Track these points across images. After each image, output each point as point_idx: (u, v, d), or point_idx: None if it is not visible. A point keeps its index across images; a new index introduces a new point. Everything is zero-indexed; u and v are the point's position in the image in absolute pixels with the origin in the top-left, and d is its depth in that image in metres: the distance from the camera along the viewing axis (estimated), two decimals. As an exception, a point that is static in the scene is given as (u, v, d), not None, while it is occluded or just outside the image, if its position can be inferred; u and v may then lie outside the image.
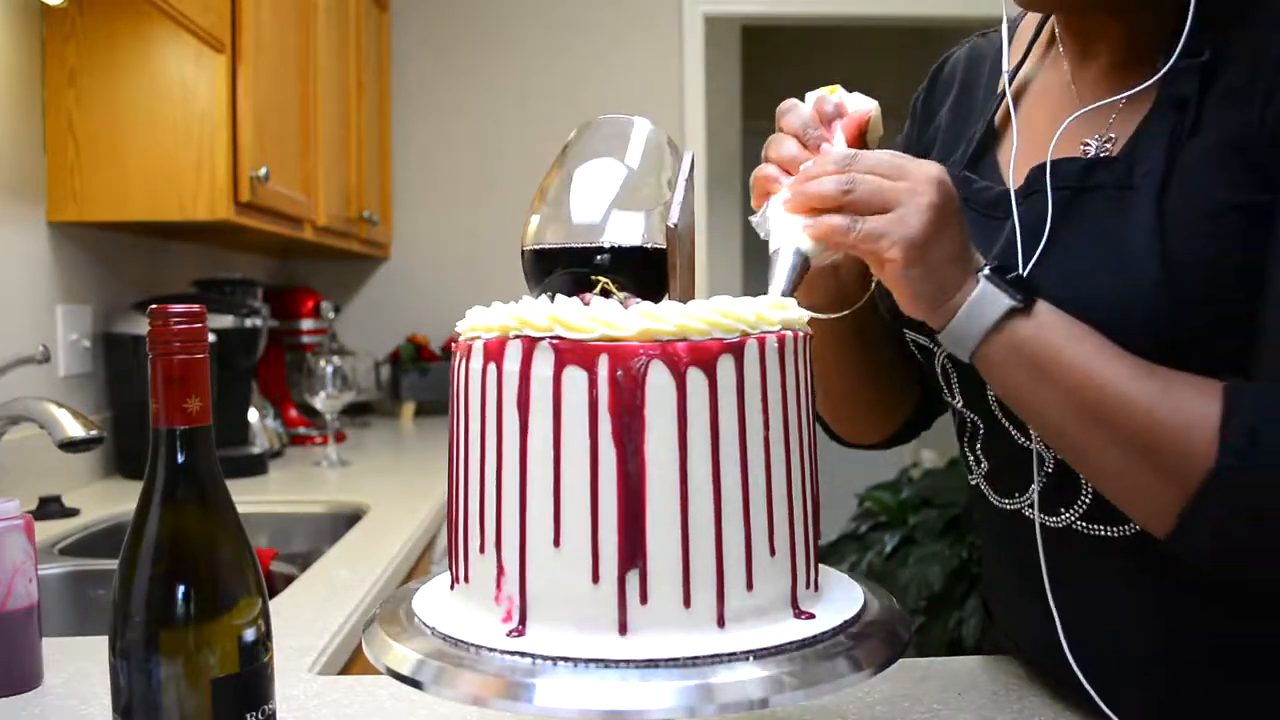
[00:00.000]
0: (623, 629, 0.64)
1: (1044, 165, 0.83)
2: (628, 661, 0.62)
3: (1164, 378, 0.74)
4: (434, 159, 3.54)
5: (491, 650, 0.64)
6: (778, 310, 0.70)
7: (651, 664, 0.62)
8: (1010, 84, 0.92)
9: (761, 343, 0.67)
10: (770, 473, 0.67)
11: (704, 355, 0.65)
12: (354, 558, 1.60)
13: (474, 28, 3.53)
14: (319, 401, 2.52)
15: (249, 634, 0.66)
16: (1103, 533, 0.82)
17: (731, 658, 0.63)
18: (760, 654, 0.63)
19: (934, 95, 1.04)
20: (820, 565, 0.74)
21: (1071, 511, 0.84)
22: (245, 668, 0.65)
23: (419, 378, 3.33)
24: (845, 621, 0.69)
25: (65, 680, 1.01)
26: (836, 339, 0.96)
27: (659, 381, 0.64)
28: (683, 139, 3.55)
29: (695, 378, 0.64)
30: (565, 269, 0.77)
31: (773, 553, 0.67)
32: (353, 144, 2.96)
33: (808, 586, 0.70)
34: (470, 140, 3.53)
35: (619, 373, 0.64)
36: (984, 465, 0.92)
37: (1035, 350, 0.76)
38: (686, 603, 0.64)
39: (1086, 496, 0.82)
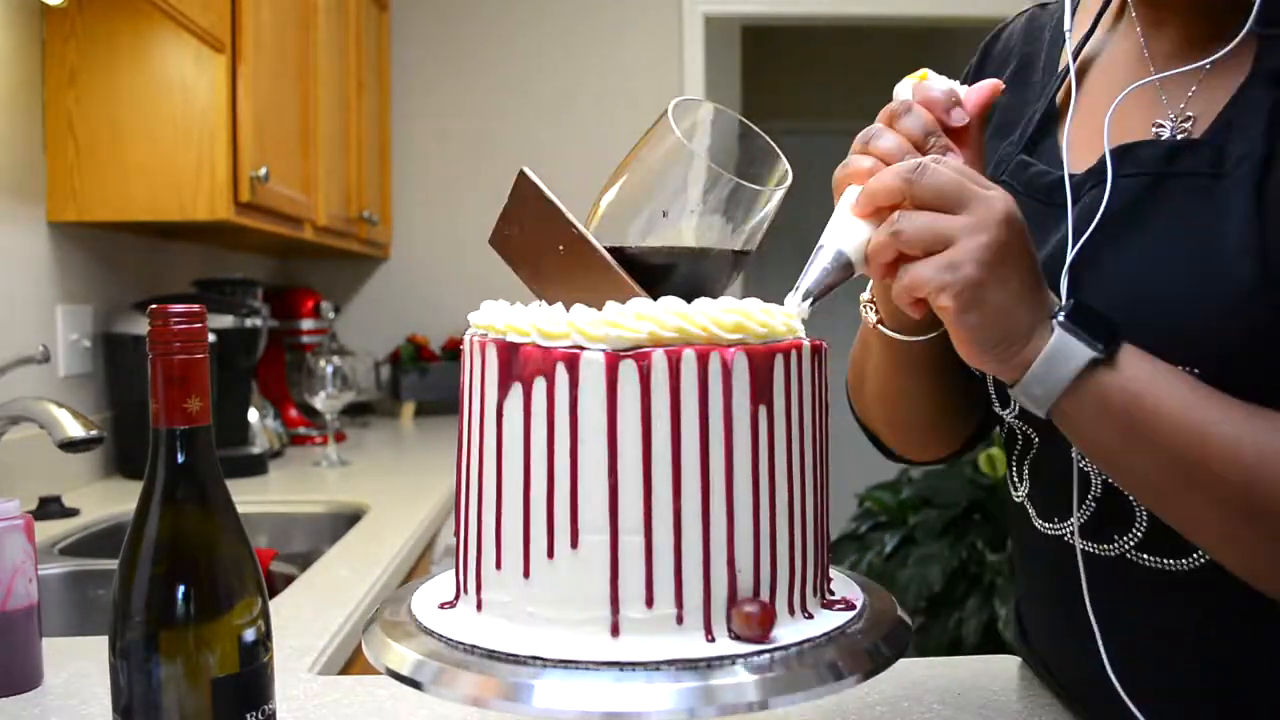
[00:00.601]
0: (622, 630, 0.64)
1: (1118, 148, 0.74)
2: (627, 663, 0.62)
3: (1271, 423, 0.66)
4: (434, 159, 3.54)
5: (491, 651, 0.64)
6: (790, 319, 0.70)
7: (651, 665, 0.62)
8: (1075, 56, 0.82)
9: (793, 350, 0.67)
10: (774, 479, 0.67)
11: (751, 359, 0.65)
12: (354, 558, 1.60)
13: (474, 28, 3.53)
14: (319, 401, 2.52)
15: (249, 634, 0.66)
16: (1160, 564, 0.75)
17: (731, 659, 0.63)
18: (760, 655, 0.63)
19: (985, 70, 0.93)
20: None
21: (1125, 539, 0.76)
22: (245, 668, 0.65)
23: (419, 378, 3.33)
24: (845, 622, 0.69)
25: (65, 680, 1.01)
26: (915, 363, 0.86)
27: (685, 384, 0.64)
28: (683, 139, 3.54)
29: (720, 381, 0.64)
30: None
31: (777, 556, 0.67)
32: (353, 144, 2.96)
33: (815, 591, 0.70)
34: (470, 140, 3.53)
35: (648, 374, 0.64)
36: (1027, 483, 0.84)
37: (1122, 405, 0.67)
38: (685, 604, 0.65)
39: (1141, 524, 0.75)
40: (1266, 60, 0.70)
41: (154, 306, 0.65)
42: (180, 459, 0.65)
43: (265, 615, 0.67)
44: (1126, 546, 0.76)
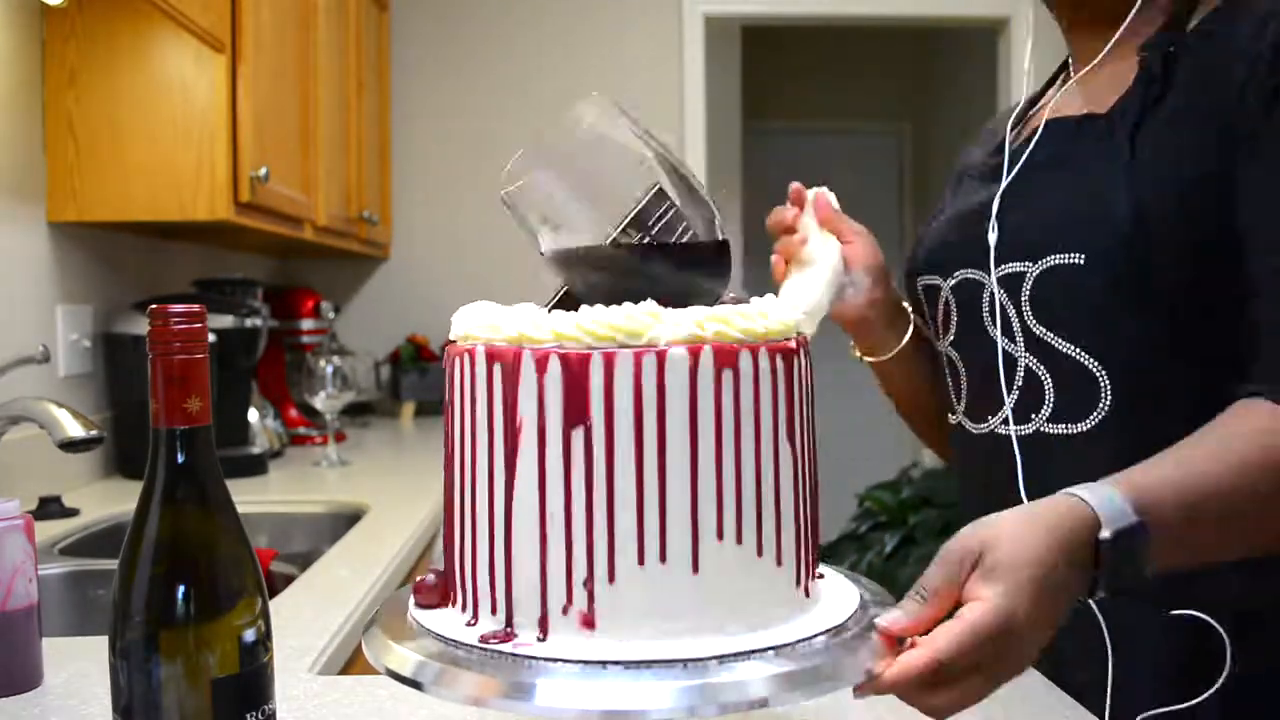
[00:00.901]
0: (622, 630, 0.64)
1: (1048, 121, 0.96)
2: (628, 662, 0.62)
3: (1241, 443, 0.78)
4: (434, 159, 3.54)
5: (491, 651, 0.64)
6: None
7: (652, 664, 0.62)
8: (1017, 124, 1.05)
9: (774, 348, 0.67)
10: (760, 474, 0.67)
11: (733, 357, 0.65)
12: (354, 558, 1.60)
13: (474, 28, 3.53)
14: (319, 401, 2.52)
15: (249, 634, 0.66)
16: (1066, 430, 0.91)
17: (732, 658, 0.63)
18: (760, 654, 0.63)
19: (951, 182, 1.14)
20: (820, 565, 0.74)
21: (1039, 416, 0.93)
22: (245, 668, 0.65)
23: (419, 378, 3.33)
24: (845, 621, 0.69)
25: (65, 680, 1.01)
26: (889, 374, 1.12)
27: (673, 383, 0.64)
28: (683, 139, 3.55)
29: (709, 380, 0.64)
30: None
31: (768, 554, 0.67)
32: (353, 144, 2.96)
33: (809, 592, 0.70)
34: (470, 140, 3.53)
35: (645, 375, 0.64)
36: (964, 401, 1.01)
37: (1176, 541, 0.74)
38: (687, 603, 0.65)
39: (1050, 399, 0.91)
40: (1153, 60, 0.90)
41: (154, 306, 0.65)
42: (180, 459, 0.65)
43: (265, 615, 0.67)
44: (1041, 421, 0.93)
